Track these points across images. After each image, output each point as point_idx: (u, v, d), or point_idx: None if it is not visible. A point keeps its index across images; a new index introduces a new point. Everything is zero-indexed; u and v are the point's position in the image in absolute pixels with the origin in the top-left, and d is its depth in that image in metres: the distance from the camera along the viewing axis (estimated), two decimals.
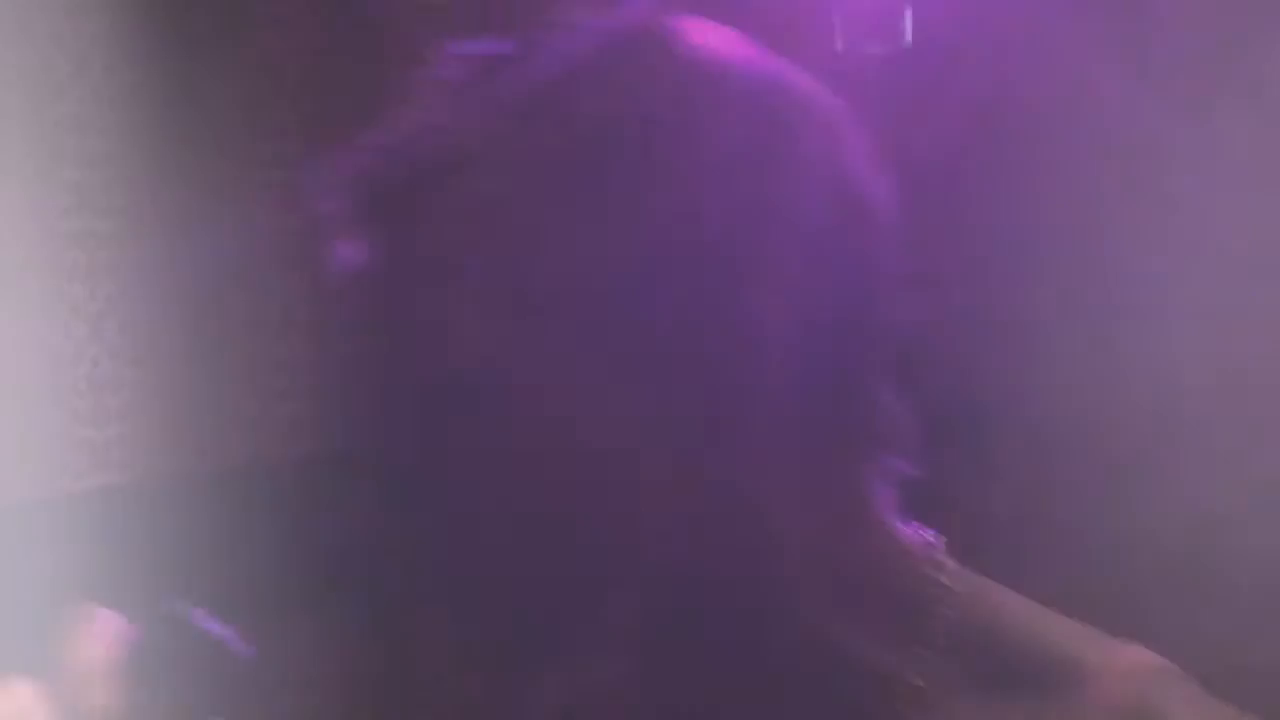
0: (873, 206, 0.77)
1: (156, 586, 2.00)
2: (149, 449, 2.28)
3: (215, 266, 2.22)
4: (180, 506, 2.27)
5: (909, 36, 2.30)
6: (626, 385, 0.72)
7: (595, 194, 0.71)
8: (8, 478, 2.09)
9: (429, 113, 0.74)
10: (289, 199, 2.18)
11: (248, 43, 2.29)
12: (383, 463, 0.76)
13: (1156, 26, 2.33)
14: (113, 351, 2.24)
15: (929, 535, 0.82)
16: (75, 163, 2.15)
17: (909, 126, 2.25)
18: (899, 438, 0.79)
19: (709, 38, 0.76)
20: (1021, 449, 2.38)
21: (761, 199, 0.73)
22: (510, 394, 0.72)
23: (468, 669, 0.81)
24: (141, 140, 2.20)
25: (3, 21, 2.01)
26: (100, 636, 0.77)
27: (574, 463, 0.72)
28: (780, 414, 0.73)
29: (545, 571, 0.74)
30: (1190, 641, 0.88)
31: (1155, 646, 0.79)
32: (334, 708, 2.13)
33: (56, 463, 2.18)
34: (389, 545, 0.79)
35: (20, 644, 0.78)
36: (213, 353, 2.33)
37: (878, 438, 0.78)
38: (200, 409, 2.32)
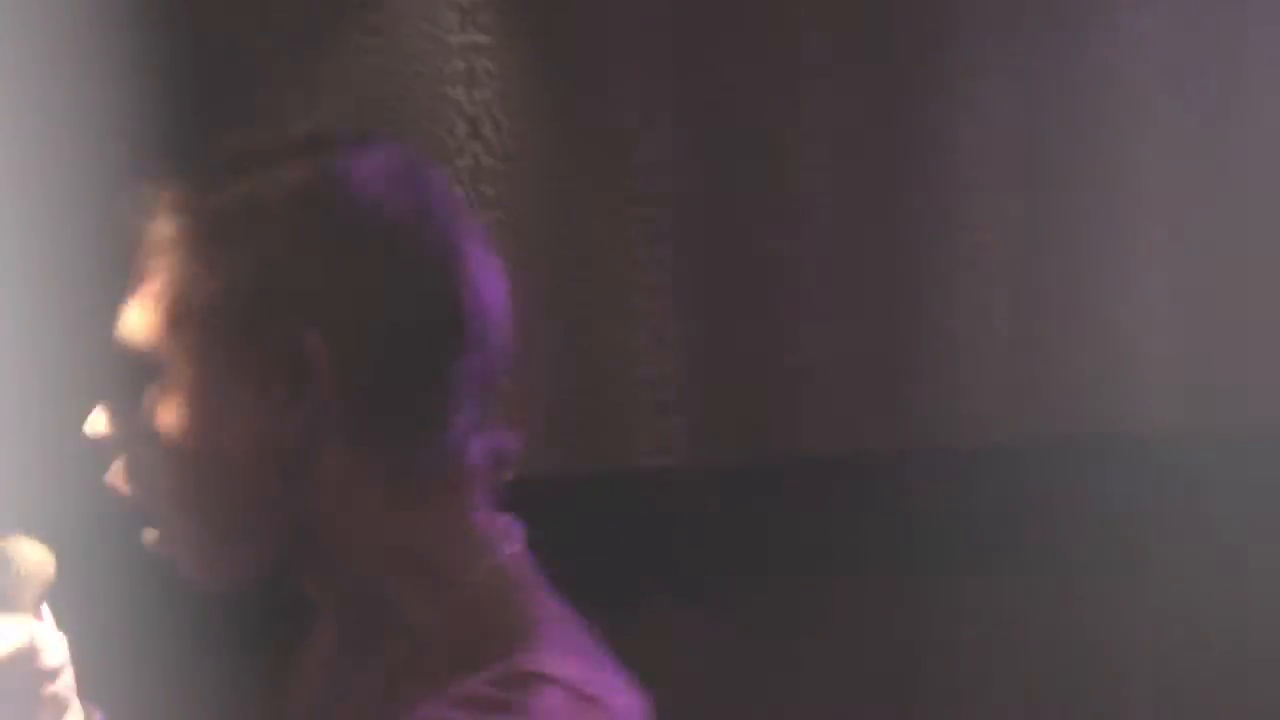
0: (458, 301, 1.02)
1: None
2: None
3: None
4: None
5: None
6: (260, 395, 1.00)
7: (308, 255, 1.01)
8: None
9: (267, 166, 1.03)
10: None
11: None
12: None
13: None
14: None
15: (511, 526, 1.07)
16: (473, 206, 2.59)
17: None
18: (490, 454, 1.04)
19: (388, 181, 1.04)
20: None
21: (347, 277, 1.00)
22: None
23: None
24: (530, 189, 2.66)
25: (418, 99, 2.51)
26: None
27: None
28: (345, 421, 1.00)
29: None
30: None
31: None
32: None
33: None
34: None
35: None
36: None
37: (446, 455, 1.03)
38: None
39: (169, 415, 1.00)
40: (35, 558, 1.04)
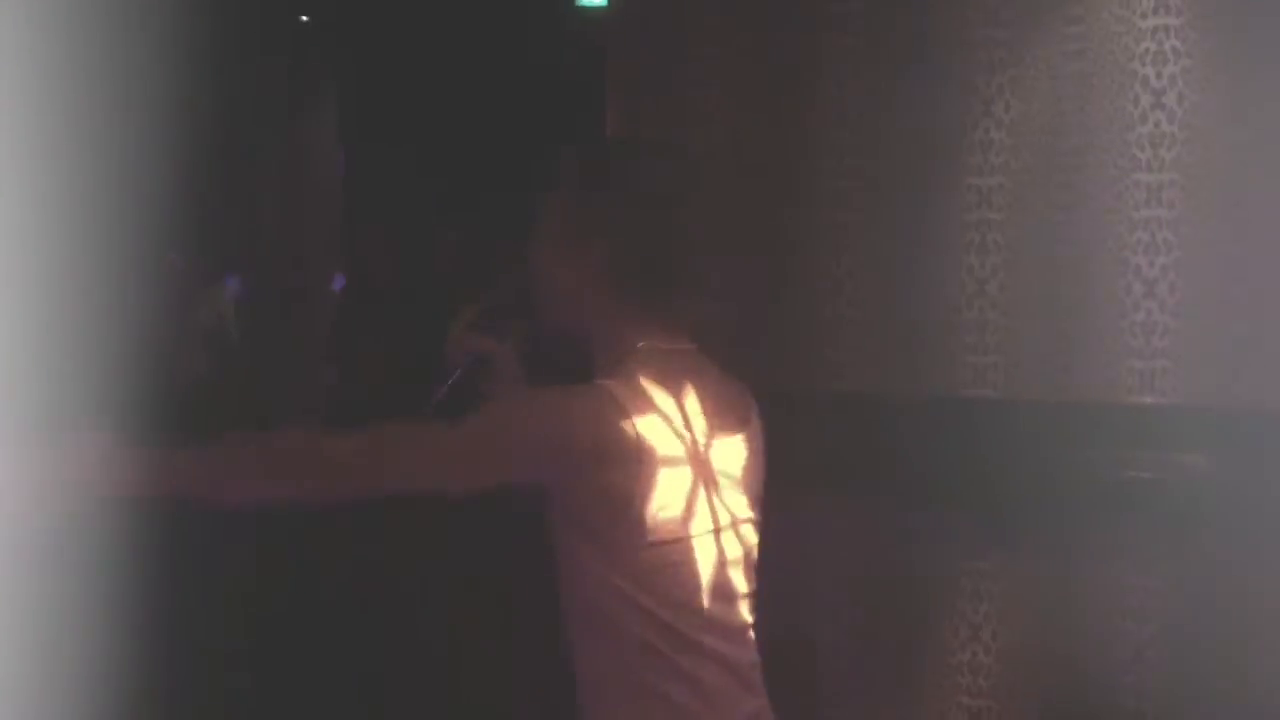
0: None
1: None
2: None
3: None
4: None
5: None
6: None
7: None
8: None
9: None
10: None
11: None
12: None
13: None
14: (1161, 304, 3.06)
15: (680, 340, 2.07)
16: (1149, 169, 3.03)
17: None
18: None
19: None
20: None
21: None
22: None
23: None
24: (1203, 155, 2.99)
25: (1107, 74, 3.05)
26: None
27: None
28: None
29: None
30: None
31: None
32: None
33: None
34: None
35: None
36: None
37: None
38: None
39: (544, 263, 2.11)
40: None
